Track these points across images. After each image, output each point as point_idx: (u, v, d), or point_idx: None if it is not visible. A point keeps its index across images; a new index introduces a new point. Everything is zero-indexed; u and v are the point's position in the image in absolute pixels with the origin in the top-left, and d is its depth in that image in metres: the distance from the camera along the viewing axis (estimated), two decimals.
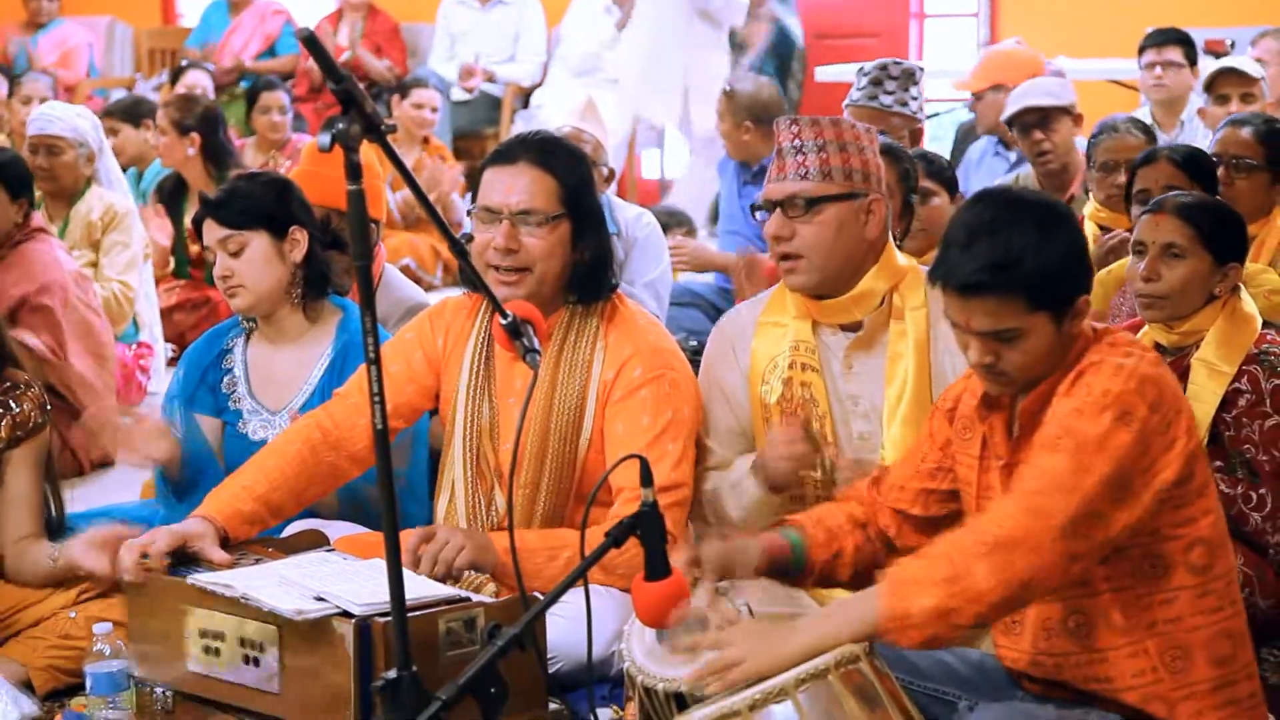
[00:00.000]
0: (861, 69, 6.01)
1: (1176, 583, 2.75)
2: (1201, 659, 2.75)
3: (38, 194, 6.55)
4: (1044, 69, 7.00)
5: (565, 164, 3.63)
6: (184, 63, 9.83)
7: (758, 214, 3.63)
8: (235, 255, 3.96)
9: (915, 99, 5.93)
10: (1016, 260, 2.74)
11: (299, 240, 4.00)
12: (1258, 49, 7.69)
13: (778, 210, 3.55)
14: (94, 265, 6.33)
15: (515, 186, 3.58)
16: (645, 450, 3.48)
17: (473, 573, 3.51)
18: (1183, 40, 7.25)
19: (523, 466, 3.62)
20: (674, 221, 7.76)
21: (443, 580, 3.30)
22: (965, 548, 2.64)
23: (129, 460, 4.12)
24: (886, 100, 5.87)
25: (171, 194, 7.31)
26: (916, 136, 5.92)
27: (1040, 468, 2.70)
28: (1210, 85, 6.55)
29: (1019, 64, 7.11)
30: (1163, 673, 2.75)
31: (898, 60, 6.04)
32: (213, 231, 3.99)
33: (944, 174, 5.22)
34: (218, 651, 3.06)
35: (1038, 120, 5.93)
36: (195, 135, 7.24)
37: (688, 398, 3.65)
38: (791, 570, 3.01)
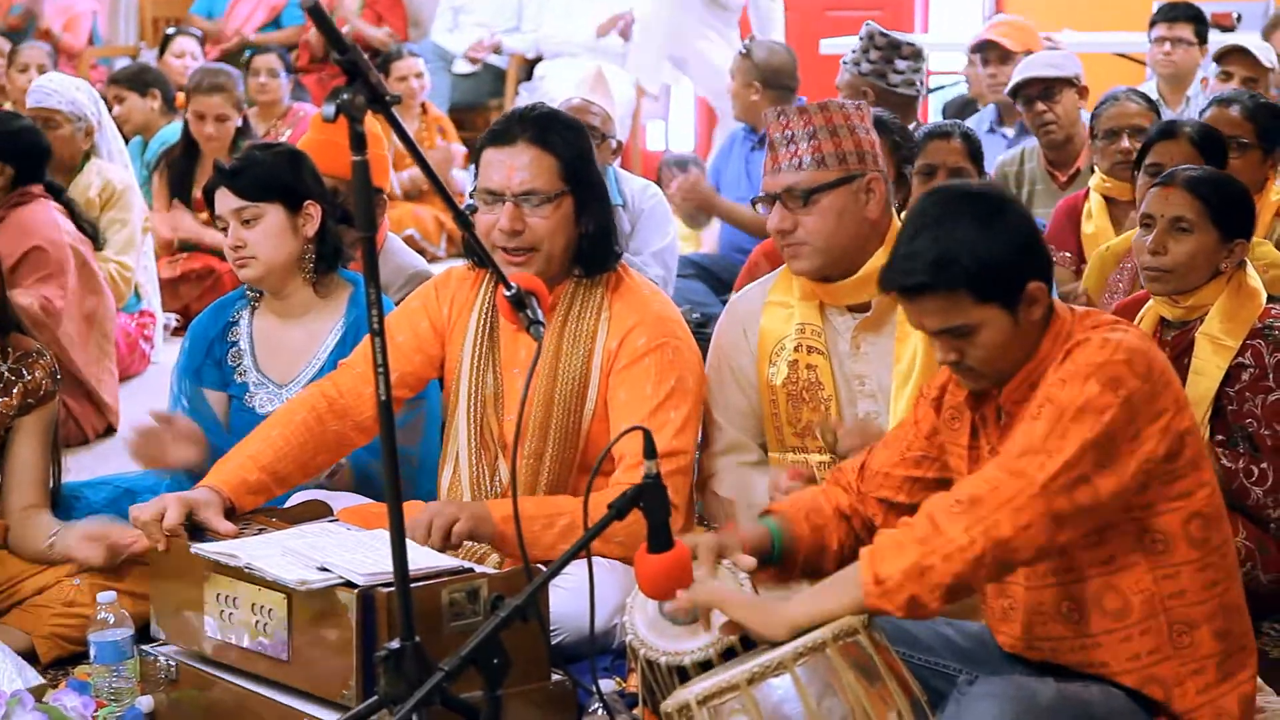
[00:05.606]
0: (861, 34, 6.10)
1: (1180, 557, 2.75)
2: (1206, 633, 2.75)
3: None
4: (1040, 45, 6.99)
5: (563, 139, 3.61)
6: (169, 31, 9.76)
7: (758, 207, 3.63)
8: (248, 226, 3.94)
9: (900, 73, 5.94)
10: (954, 257, 2.72)
11: (312, 215, 3.98)
12: None
13: (777, 203, 3.55)
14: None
15: (516, 167, 3.57)
16: (647, 419, 3.50)
17: (475, 543, 3.52)
18: (1194, 17, 7.21)
19: (526, 437, 3.62)
20: (680, 166, 7.85)
21: (441, 551, 3.30)
22: (943, 508, 2.64)
23: (157, 466, 3.85)
24: (865, 69, 5.94)
25: (181, 168, 7.26)
26: (902, 106, 5.92)
27: (1021, 433, 2.70)
28: (1220, 58, 6.49)
29: (1020, 33, 7.14)
30: (1168, 650, 2.74)
31: (884, 32, 6.08)
32: (226, 201, 3.96)
33: (980, 155, 5.14)
34: (234, 619, 3.07)
35: (1040, 91, 5.93)
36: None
37: (691, 366, 3.65)
38: (772, 559, 2.97)
